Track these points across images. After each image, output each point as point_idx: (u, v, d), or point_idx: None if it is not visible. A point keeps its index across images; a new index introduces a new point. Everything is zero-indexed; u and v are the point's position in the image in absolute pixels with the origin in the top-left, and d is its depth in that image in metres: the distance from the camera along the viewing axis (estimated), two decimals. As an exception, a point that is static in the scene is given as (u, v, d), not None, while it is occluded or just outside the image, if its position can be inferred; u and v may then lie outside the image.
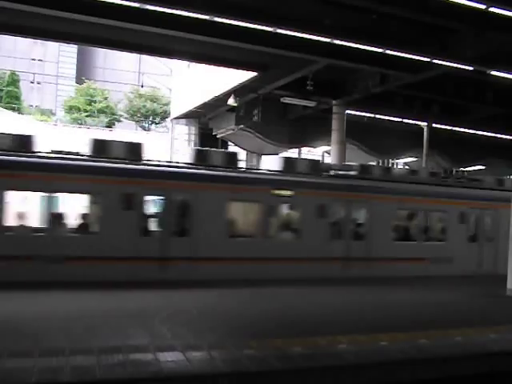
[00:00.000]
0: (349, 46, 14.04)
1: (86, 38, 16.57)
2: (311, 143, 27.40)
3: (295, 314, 8.88)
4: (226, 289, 11.16)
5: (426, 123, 24.32)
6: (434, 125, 24.33)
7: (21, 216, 11.85)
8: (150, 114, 54.63)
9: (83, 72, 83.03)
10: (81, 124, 48.02)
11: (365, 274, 13.95)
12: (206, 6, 12.02)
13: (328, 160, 26.28)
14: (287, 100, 20.70)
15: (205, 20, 12.60)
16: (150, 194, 12.66)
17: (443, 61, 14.72)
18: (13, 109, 44.65)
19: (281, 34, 13.29)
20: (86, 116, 53.05)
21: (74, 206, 12.66)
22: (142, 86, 40.62)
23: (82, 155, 12.40)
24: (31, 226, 11.84)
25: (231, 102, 20.94)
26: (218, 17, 12.46)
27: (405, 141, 27.36)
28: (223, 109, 23.71)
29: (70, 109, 55.59)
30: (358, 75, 19.26)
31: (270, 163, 15.20)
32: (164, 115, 51.07)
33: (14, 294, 9.40)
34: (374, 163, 29.70)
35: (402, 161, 32.49)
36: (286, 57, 15.87)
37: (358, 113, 22.44)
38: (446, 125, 24.64)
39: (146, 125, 55.21)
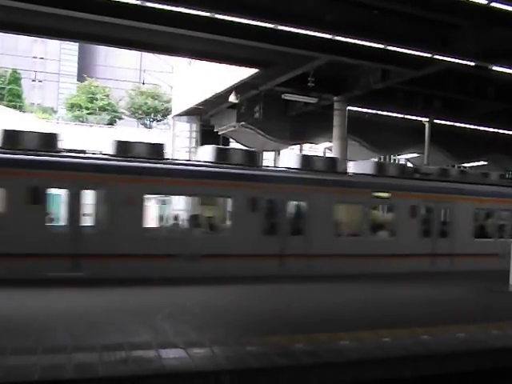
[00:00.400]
0: (350, 42, 13.96)
1: (88, 35, 16.49)
2: (312, 139, 27.37)
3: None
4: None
5: (427, 119, 24.22)
6: (435, 120, 24.23)
7: (161, 218, 13.06)
8: (152, 111, 54.62)
9: (84, 70, 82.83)
10: (82, 122, 48.00)
11: (448, 268, 15.27)
12: (207, 3, 12.00)
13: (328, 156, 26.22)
14: (288, 96, 20.65)
15: (206, 17, 12.56)
16: (269, 197, 13.69)
17: (445, 56, 14.65)
18: (14, 107, 44.65)
19: (282, 30, 13.22)
20: (88, 114, 53.00)
21: (203, 208, 13.75)
22: (144, 84, 40.60)
23: (207, 162, 13.28)
24: (171, 226, 12.98)
25: (232, 98, 20.90)
26: (220, 14, 12.43)
27: (406, 137, 27.25)
28: (224, 106, 23.67)
29: (72, 106, 55.58)
30: (359, 71, 19.18)
31: (360, 166, 16.09)
32: (165, 112, 50.98)
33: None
34: (375, 159, 29.65)
35: (403, 157, 32.39)
36: (287, 53, 15.81)
37: (359, 109, 22.35)
38: (447, 120, 24.53)
39: (148, 122, 55.21)
